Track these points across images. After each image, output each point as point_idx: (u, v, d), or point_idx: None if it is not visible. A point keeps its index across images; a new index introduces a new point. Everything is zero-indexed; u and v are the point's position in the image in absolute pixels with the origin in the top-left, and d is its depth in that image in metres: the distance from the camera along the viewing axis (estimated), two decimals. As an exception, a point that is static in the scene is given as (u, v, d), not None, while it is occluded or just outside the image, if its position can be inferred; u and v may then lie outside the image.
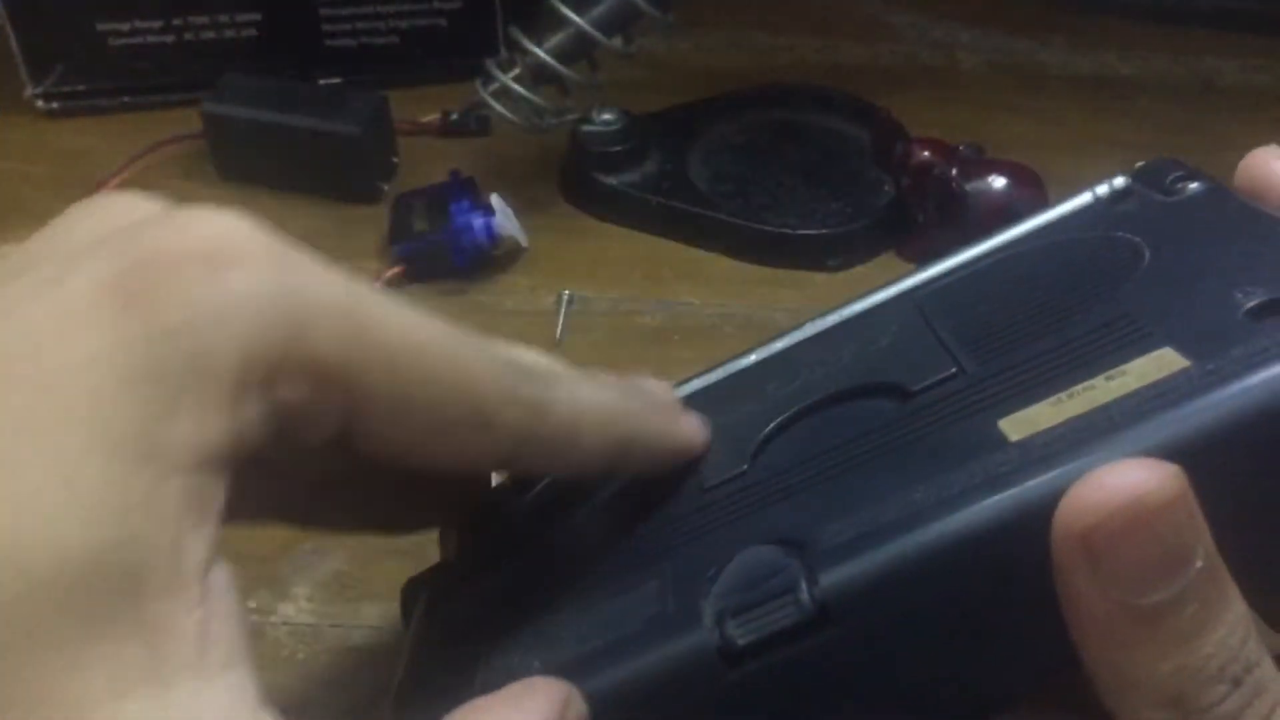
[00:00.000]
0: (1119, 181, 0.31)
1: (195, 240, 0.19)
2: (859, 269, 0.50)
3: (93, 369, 0.18)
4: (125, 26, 0.57)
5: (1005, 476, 0.21)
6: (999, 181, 0.47)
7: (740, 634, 0.21)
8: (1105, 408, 0.21)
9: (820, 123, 0.57)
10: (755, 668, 0.21)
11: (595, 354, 0.46)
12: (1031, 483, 0.20)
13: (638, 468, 0.26)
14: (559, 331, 0.47)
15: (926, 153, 0.50)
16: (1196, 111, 0.60)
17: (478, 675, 0.23)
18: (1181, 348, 0.22)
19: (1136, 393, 0.21)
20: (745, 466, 0.26)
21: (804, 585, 0.21)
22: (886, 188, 0.52)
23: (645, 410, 0.26)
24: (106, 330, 0.18)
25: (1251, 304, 0.22)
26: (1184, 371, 0.21)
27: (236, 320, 0.19)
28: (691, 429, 0.27)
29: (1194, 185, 0.30)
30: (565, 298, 0.48)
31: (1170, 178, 0.31)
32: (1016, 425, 0.22)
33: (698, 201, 0.52)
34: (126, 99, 0.58)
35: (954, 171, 0.47)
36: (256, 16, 0.57)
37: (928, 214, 0.49)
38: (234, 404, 0.18)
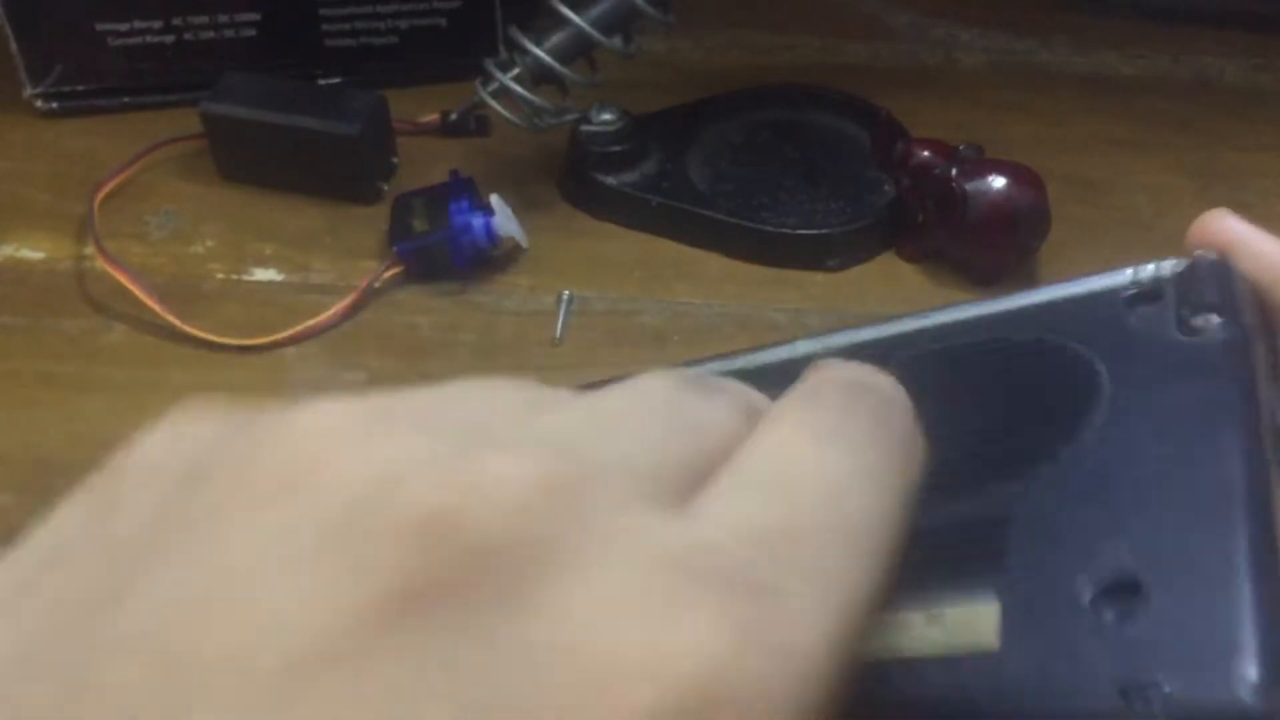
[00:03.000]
0: (1151, 272, 0.25)
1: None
2: (859, 269, 0.50)
3: None
4: (124, 26, 0.57)
5: None
6: (999, 181, 0.47)
7: None
8: (906, 663, 0.19)
9: (820, 123, 0.57)
10: None
11: (595, 354, 0.46)
12: None
13: None
14: (559, 331, 0.47)
15: (926, 153, 0.49)
16: (1197, 111, 0.60)
17: None
18: (1008, 613, 0.18)
19: (930, 661, 0.19)
20: None
21: None
22: (886, 188, 0.52)
23: None
24: None
25: (1099, 585, 0.18)
26: (984, 659, 0.18)
27: None
28: None
29: (1217, 325, 0.23)
30: (565, 298, 0.48)
31: (1204, 297, 0.24)
32: None
33: (697, 201, 0.52)
34: (126, 99, 0.58)
35: (954, 172, 0.47)
36: (256, 16, 0.57)
37: (928, 214, 0.49)
38: None
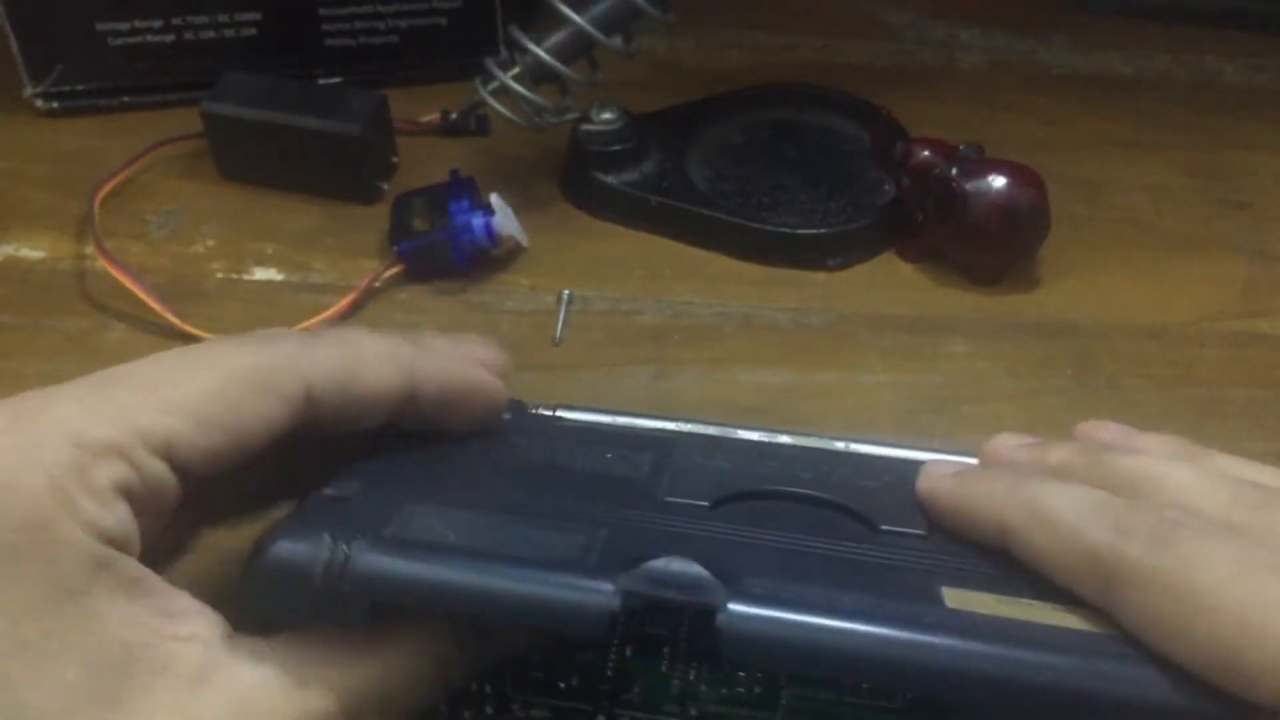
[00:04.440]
0: None
1: None
2: (859, 269, 0.50)
3: None
4: (124, 26, 0.57)
5: (929, 626, 0.23)
6: (999, 181, 0.47)
7: (633, 613, 0.23)
8: (1039, 626, 0.24)
9: (820, 122, 0.57)
10: (631, 652, 0.25)
11: (595, 353, 0.46)
12: (949, 642, 0.22)
13: (434, 405, 0.30)
14: (559, 331, 0.47)
15: (926, 152, 0.49)
16: (1198, 110, 0.60)
17: (394, 519, 0.26)
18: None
19: (1068, 631, 0.24)
20: (707, 503, 0.29)
21: (716, 610, 0.23)
22: (886, 187, 0.52)
23: (431, 353, 0.30)
24: None
25: None
26: (1110, 638, 0.23)
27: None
28: (483, 377, 0.31)
29: None
30: (565, 297, 0.48)
31: None
32: (957, 597, 0.25)
33: (697, 201, 0.52)
34: (126, 99, 0.58)
35: (954, 171, 0.47)
36: (256, 16, 0.57)
37: (928, 214, 0.49)
38: None
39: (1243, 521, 0.25)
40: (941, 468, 0.31)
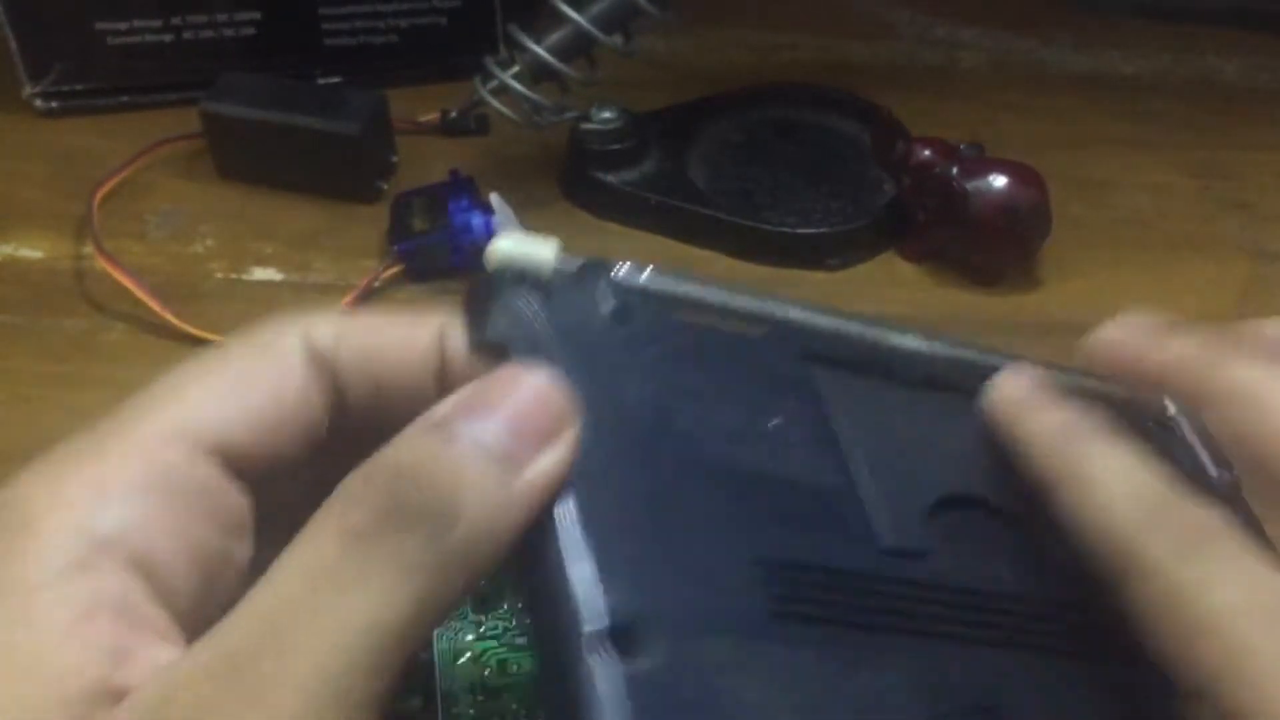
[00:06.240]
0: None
1: None
2: (859, 268, 0.50)
3: None
4: (124, 25, 0.56)
5: None
6: (1000, 181, 0.47)
7: None
8: None
9: (820, 122, 0.57)
10: None
11: (595, 353, 0.46)
12: None
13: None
14: (558, 331, 0.47)
15: (927, 152, 0.49)
16: (1197, 110, 0.60)
17: None
18: None
19: None
20: (926, 545, 0.24)
21: None
22: (886, 187, 0.52)
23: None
24: None
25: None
26: None
27: None
28: None
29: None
30: (565, 297, 0.48)
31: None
32: None
33: (697, 200, 0.52)
34: (125, 98, 0.58)
35: (954, 171, 0.47)
36: (256, 15, 0.57)
37: (928, 213, 0.49)
38: None
39: None
40: (1016, 381, 0.26)
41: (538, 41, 0.49)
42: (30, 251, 0.50)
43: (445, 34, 0.59)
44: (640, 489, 0.21)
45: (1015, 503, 0.25)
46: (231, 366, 0.23)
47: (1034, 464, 0.25)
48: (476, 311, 0.24)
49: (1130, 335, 0.29)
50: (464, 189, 0.49)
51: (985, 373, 0.27)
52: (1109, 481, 0.24)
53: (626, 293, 0.24)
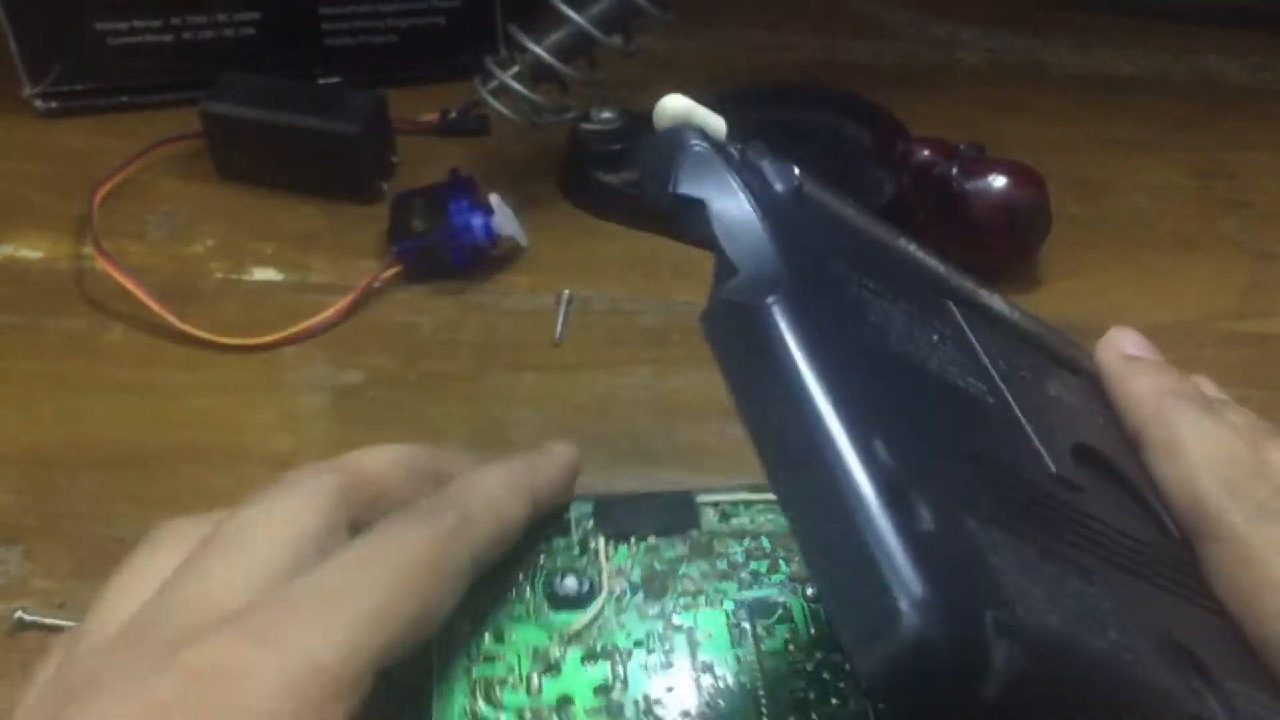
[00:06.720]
0: None
1: None
2: (859, 268, 0.50)
3: None
4: (123, 26, 0.56)
5: None
6: (999, 181, 0.47)
7: None
8: None
9: (820, 122, 0.57)
10: None
11: (595, 353, 0.46)
12: None
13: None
14: (558, 331, 0.47)
15: (927, 152, 0.49)
16: (1199, 110, 0.60)
17: None
18: None
19: None
20: (1083, 482, 0.24)
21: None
22: (886, 187, 0.52)
23: (539, 472, 0.30)
24: None
25: None
26: None
27: None
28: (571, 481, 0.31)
29: None
30: (565, 297, 0.48)
31: None
32: None
33: (697, 201, 0.52)
34: (125, 98, 0.58)
35: (954, 171, 0.47)
36: (255, 15, 0.57)
37: (928, 213, 0.49)
38: None
39: None
40: (1127, 339, 0.30)
41: (538, 42, 0.49)
42: (30, 251, 0.50)
43: (445, 34, 0.59)
44: (858, 364, 0.20)
45: (1126, 461, 0.26)
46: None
47: (1133, 420, 0.27)
48: (660, 165, 0.23)
49: (1110, 360, 0.30)
50: (464, 189, 0.49)
51: (1058, 344, 0.29)
52: (1194, 446, 0.26)
53: (796, 177, 0.24)
